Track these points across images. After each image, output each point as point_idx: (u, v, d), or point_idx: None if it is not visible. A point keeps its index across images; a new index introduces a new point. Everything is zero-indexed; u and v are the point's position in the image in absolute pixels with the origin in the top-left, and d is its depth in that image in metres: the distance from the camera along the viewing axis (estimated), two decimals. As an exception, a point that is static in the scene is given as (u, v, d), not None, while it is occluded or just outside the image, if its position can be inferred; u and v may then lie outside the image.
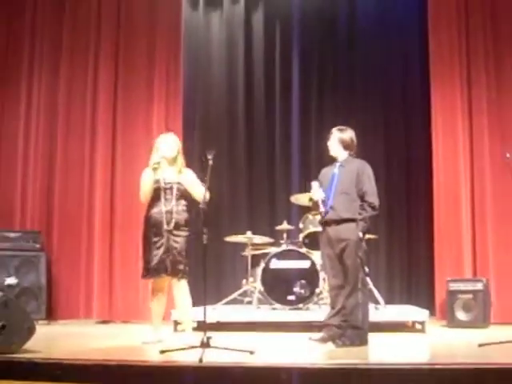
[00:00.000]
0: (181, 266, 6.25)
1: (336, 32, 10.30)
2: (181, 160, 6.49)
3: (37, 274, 8.58)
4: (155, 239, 6.27)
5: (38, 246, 8.74)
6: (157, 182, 6.34)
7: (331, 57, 10.27)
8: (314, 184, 6.48)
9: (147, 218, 6.41)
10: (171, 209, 6.28)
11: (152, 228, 6.31)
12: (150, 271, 6.28)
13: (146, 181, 6.43)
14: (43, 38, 9.38)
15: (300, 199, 8.68)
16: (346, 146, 6.50)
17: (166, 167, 6.39)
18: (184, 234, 6.27)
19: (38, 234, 8.85)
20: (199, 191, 6.25)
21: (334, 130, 6.58)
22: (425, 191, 9.25)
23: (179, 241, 6.25)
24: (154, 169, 6.33)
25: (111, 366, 5.14)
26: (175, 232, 6.24)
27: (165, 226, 6.24)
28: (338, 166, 6.49)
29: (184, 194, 6.40)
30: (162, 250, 6.23)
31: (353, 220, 6.24)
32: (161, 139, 6.57)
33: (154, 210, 6.33)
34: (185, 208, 6.37)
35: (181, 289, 6.38)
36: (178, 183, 6.35)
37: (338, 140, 6.51)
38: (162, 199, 6.32)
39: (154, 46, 9.26)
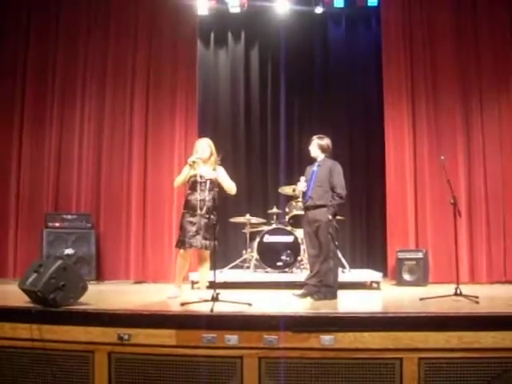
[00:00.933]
0: (207, 241, 6.25)
1: (314, 65, 10.27)
2: (214, 158, 6.47)
3: (88, 246, 8.56)
4: (190, 219, 6.27)
5: (89, 225, 8.71)
6: (194, 176, 6.35)
7: (309, 83, 10.26)
8: (302, 179, 6.56)
9: (186, 202, 6.41)
10: (204, 198, 6.27)
11: (189, 210, 6.31)
12: (184, 243, 6.27)
13: (183, 174, 6.49)
14: (93, 69, 9.27)
15: (285, 190, 8.78)
16: (323, 150, 6.56)
17: (202, 165, 6.39)
18: (212, 216, 6.23)
19: (89, 215, 8.81)
20: (229, 184, 6.44)
21: (315, 138, 6.65)
22: (380, 185, 9.22)
23: (208, 222, 6.23)
24: (190, 166, 6.34)
25: (144, 314, 5.17)
26: (206, 215, 6.22)
27: (199, 211, 6.23)
28: (316, 165, 6.55)
29: (215, 186, 6.38)
30: (194, 228, 6.23)
31: (325, 206, 6.28)
32: (198, 143, 6.61)
33: (192, 197, 6.33)
34: (215, 197, 6.35)
35: (204, 257, 6.41)
36: (211, 178, 6.34)
37: (318, 146, 6.58)
38: (198, 190, 6.31)
39: (176, 76, 9.17)
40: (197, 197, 6.30)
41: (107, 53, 9.27)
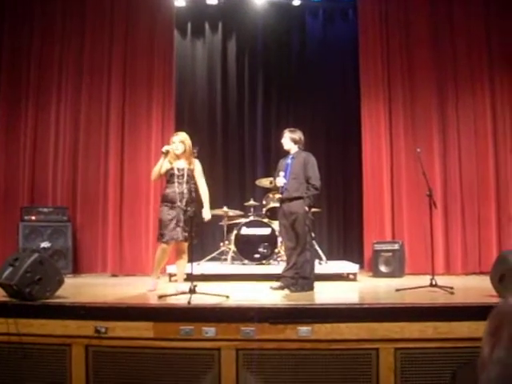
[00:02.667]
0: (186, 234, 6.24)
1: (291, 57, 10.29)
2: (190, 152, 6.43)
3: (65, 240, 8.50)
4: (169, 212, 6.25)
5: (65, 218, 8.65)
6: (171, 169, 6.35)
7: (287, 76, 10.26)
8: (281, 174, 6.57)
9: (164, 196, 6.39)
10: (182, 190, 6.27)
11: (168, 203, 6.29)
12: (164, 236, 6.25)
13: (158, 164, 6.48)
14: (68, 61, 9.12)
15: (262, 182, 8.81)
16: (295, 142, 6.62)
17: (179, 159, 6.40)
18: (189, 209, 6.23)
19: (65, 209, 8.75)
20: (202, 182, 6.49)
21: (286, 131, 6.73)
22: (356, 177, 9.28)
23: (187, 214, 6.21)
24: (164, 154, 6.36)
25: (122, 307, 5.16)
26: (184, 208, 6.21)
27: (178, 203, 6.23)
28: (290, 158, 6.60)
29: (191, 179, 6.39)
30: (174, 221, 6.22)
31: (300, 198, 6.32)
32: (173, 137, 6.57)
33: (170, 190, 6.32)
34: (192, 189, 6.36)
35: (183, 249, 6.41)
36: (189, 170, 6.36)
37: (290, 138, 6.63)
38: (176, 182, 6.31)
39: (152, 67, 9.09)
40: (175, 189, 6.30)
41: (83, 47, 9.13)
